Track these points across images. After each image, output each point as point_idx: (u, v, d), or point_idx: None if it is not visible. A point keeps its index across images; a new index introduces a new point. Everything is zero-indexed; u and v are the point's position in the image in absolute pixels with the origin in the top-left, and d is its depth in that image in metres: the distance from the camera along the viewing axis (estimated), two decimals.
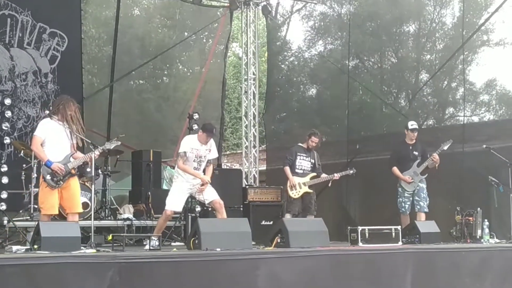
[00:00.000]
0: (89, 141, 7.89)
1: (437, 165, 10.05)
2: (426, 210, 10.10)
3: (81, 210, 8.00)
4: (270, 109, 15.60)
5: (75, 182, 7.75)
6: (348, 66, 14.97)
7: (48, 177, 7.47)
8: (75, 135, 7.67)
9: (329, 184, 10.36)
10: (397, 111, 14.57)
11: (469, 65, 15.91)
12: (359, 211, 12.51)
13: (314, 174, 10.25)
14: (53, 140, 7.57)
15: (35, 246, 6.75)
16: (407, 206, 10.18)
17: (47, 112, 7.68)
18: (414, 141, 10.34)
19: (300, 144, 10.43)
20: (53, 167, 7.44)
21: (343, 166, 13.01)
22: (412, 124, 10.32)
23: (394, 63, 16.75)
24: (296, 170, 10.18)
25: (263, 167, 15.31)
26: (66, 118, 7.60)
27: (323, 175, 10.26)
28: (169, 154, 13.98)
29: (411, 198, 10.20)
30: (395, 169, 10.27)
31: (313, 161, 10.31)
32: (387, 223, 9.29)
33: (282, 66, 17.36)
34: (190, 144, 8.71)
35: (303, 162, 10.25)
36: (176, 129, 14.93)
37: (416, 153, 10.25)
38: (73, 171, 7.64)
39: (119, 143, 8.14)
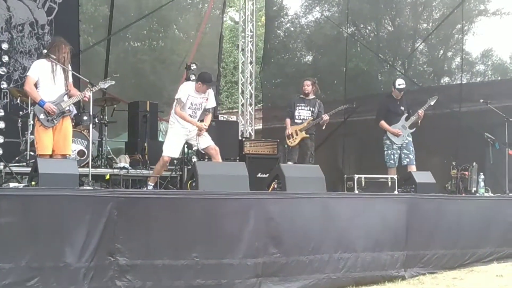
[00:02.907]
0: (87, 80, 7.90)
1: (419, 121, 10.20)
2: (414, 163, 10.19)
3: (70, 152, 8.04)
4: (266, 73, 15.56)
5: (67, 124, 7.78)
6: (346, 33, 14.95)
7: (42, 116, 7.51)
8: (70, 74, 7.70)
9: (323, 127, 10.49)
10: (399, 71, 14.53)
11: (465, 35, 15.93)
12: (354, 170, 12.50)
13: (311, 119, 10.36)
14: (46, 80, 7.61)
15: (33, 183, 6.73)
16: (395, 158, 10.23)
17: (44, 51, 7.64)
18: (400, 96, 10.44)
19: (299, 95, 10.65)
20: (46, 107, 7.48)
21: (339, 125, 13.11)
22: (399, 84, 10.35)
23: (390, 31, 16.74)
24: (296, 120, 10.45)
25: (259, 126, 15.30)
26: (59, 59, 7.64)
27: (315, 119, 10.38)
28: (164, 115, 13.91)
29: (398, 151, 10.26)
30: (383, 123, 10.34)
31: (313, 109, 10.44)
32: None
33: (279, 31, 17.33)
34: (187, 91, 8.71)
35: (302, 112, 10.47)
36: (170, 91, 14.78)
37: (402, 108, 10.36)
38: (66, 111, 7.65)
39: (113, 82, 8.23)
